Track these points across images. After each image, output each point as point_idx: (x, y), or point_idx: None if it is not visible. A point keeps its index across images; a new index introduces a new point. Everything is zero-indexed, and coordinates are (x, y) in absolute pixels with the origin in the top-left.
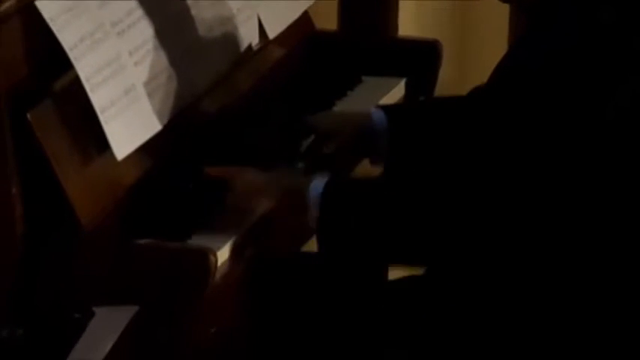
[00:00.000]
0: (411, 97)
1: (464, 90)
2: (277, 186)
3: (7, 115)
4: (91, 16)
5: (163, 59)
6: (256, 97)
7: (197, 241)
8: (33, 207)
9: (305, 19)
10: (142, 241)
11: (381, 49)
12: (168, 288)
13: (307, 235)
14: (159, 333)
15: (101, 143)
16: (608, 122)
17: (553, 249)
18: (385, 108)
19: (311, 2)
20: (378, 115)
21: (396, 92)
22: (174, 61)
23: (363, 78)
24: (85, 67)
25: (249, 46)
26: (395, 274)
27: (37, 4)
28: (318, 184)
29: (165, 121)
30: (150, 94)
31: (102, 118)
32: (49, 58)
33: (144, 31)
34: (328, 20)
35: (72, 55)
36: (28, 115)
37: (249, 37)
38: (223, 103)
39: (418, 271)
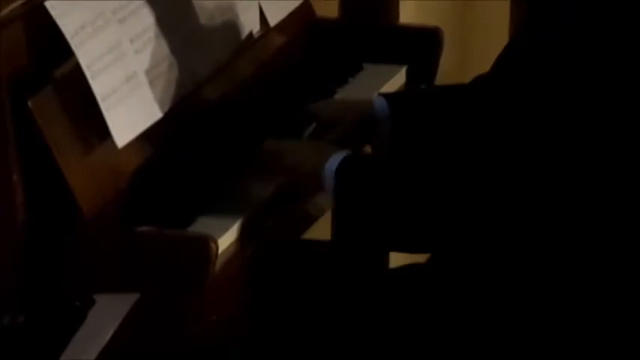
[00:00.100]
0: (412, 85)
1: (465, 78)
2: (291, 161)
3: (8, 102)
4: (91, 3)
5: (164, 47)
6: (257, 85)
7: (199, 227)
8: (34, 194)
9: (306, 6)
10: (143, 229)
11: (382, 37)
12: (169, 276)
13: (309, 222)
14: (160, 321)
15: (102, 131)
16: (611, 112)
17: (556, 237)
18: (387, 96)
19: None
20: (380, 103)
21: (397, 80)
22: (176, 48)
23: (364, 65)
24: (85, 54)
25: (250, 34)
26: (396, 262)
27: None
28: (334, 160)
29: (167, 108)
30: (151, 82)
31: (103, 105)
32: (49, 46)
33: (145, 18)
34: (329, 7)
35: (73, 43)
36: (29, 103)
37: (250, 24)
38: (224, 90)
39: (419, 260)
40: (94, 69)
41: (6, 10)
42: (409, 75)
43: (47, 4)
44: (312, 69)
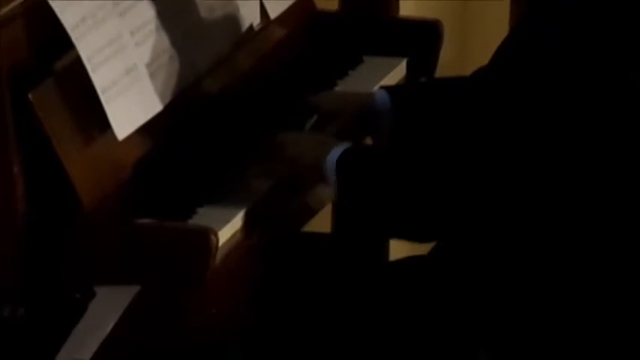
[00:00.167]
0: (413, 77)
1: (465, 70)
2: (292, 154)
3: (9, 95)
4: None
5: (165, 39)
6: (258, 78)
7: (200, 220)
8: (34, 187)
9: None
10: (143, 221)
11: (382, 29)
12: (169, 268)
13: (309, 215)
14: (160, 313)
15: (102, 123)
16: (610, 104)
17: (554, 228)
18: (388, 89)
19: None
20: (381, 96)
21: (397, 72)
22: (176, 41)
23: (365, 58)
24: (86, 47)
25: (251, 27)
26: (396, 255)
27: None
28: (335, 152)
29: (167, 101)
30: (151, 75)
31: (103, 98)
32: (50, 38)
33: (145, 11)
34: (329, 0)
35: (73, 35)
36: (30, 95)
37: (250, 17)
38: (225, 83)
39: (419, 252)
40: (95, 61)
41: (7, 4)
42: (409, 67)
43: None
44: (313, 61)
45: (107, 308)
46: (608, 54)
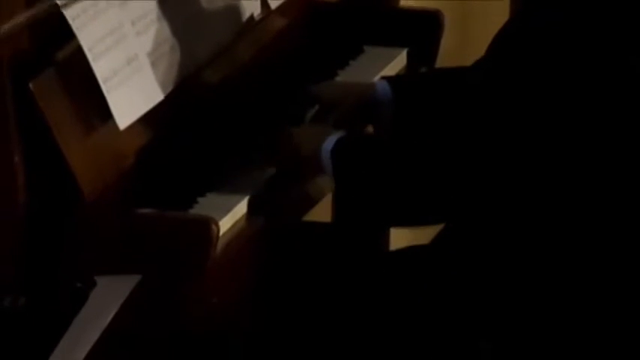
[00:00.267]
0: (413, 67)
1: (465, 60)
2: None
3: (10, 84)
4: None
5: (166, 29)
6: (258, 68)
7: (200, 209)
8: (35, 177)
9: None
10: (144, 211)
11: (383, 19)
12: (170, 258)
13: (310, 204)
14: (161, 303)
15: (103, 113)
16: (608, 93)
17: (553, 220)
18: (390, 79)
19: None
20: (382, 86)
21: (397, 62)
22: (177, 31)
23: (365, 48)
24: (87, 36)
25: (252, 17)
26: (397, 244)
27: None
28: (330, 141)
29: (168, 90)
30: (152, 64)
31: (104, 87)
32: (51, 28)
33: (146, 0)
34: None
35: (74, 25)
36: (31, 85)
37: (251, 7)
38: (225, 73)
39: (420, 242)
40: (96, 51)
41: None
42: (410, 58)
43: None
44: (313, 51)
45: (108, 298)
46: (607, 39)
